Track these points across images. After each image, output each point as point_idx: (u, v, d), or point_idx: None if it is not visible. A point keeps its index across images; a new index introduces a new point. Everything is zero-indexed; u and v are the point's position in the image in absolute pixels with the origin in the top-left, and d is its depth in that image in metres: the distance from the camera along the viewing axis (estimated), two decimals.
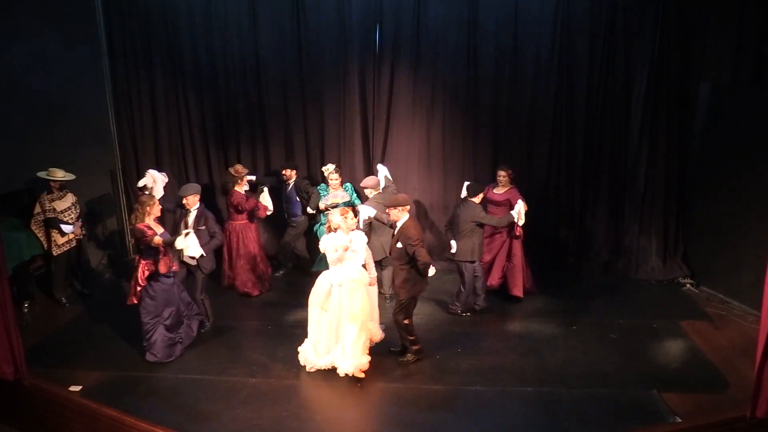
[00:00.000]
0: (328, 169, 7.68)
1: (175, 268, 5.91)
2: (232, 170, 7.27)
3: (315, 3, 7.87)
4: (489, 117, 7.95)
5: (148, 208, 5.69)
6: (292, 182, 7.70)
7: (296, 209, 7.73)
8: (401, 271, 5.53)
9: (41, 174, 6.76)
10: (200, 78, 8.27)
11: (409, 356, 5.75)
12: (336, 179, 7.53)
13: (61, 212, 6.80)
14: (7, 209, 6.78)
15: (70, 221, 6.82)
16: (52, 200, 6.77)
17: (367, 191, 7.02)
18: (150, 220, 5.71)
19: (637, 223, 7.94)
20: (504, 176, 7.03)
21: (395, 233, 5.62)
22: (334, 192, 7.55)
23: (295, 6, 7.87)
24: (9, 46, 6.71)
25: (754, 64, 6.47)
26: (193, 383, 5.42)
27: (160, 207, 5.90)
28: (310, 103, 8.17)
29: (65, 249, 6.90)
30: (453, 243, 6.57)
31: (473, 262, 6.60)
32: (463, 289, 6.72)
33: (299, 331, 6.35)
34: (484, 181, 7.31)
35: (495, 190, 7.13)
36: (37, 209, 6.72)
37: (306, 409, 5.01)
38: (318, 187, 7.74)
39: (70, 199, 6.91)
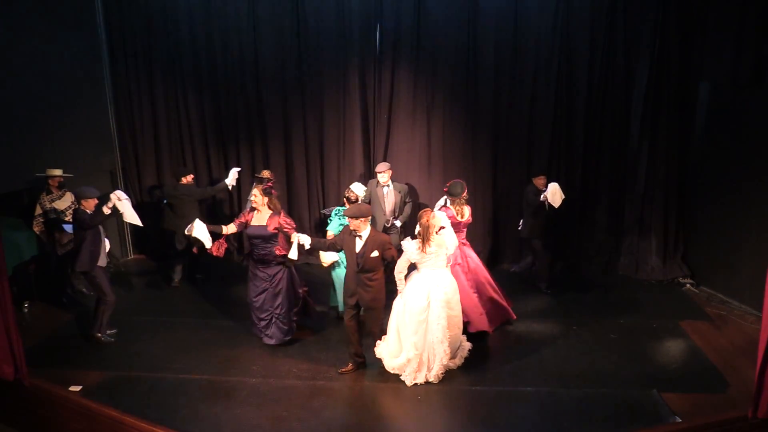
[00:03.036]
0: (352, 190, 6.52)
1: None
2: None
3: (315, 3, 7.87)
4: (489, 117, 7.96)
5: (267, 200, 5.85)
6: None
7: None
8: (375, 281, 5.29)
9: (39, 175, 6.76)
10: (200, 78, 8.28)
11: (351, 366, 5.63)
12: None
13: (62, 212, 6.79)
14: (7, 209, 6.78)
15: (70, 221, 6.81)
16: (52, 200, 6.76)
17: (380, 176, 7.08)
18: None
19: (637, 223, 7.94)
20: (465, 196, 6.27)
21: (364, 245, 5.24)
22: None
23: (294, 6, 7.87)
24: (9, 47, 6.71)
25: (754, 64, 6.46)
26: (193, 383, 5.42)
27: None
28: (310, 103, 8.17)
29: (69, 248, 6.90)
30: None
31: (537, 239, 7.28)
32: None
33: (298, 331, 6.36)
34: (484, 179, 7.29)
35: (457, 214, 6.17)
36: (38, 210, 6.71)
37: (306, 409, 5.01)
38: (334, 210, 6.75)
39: (69, 198, 6.90)
